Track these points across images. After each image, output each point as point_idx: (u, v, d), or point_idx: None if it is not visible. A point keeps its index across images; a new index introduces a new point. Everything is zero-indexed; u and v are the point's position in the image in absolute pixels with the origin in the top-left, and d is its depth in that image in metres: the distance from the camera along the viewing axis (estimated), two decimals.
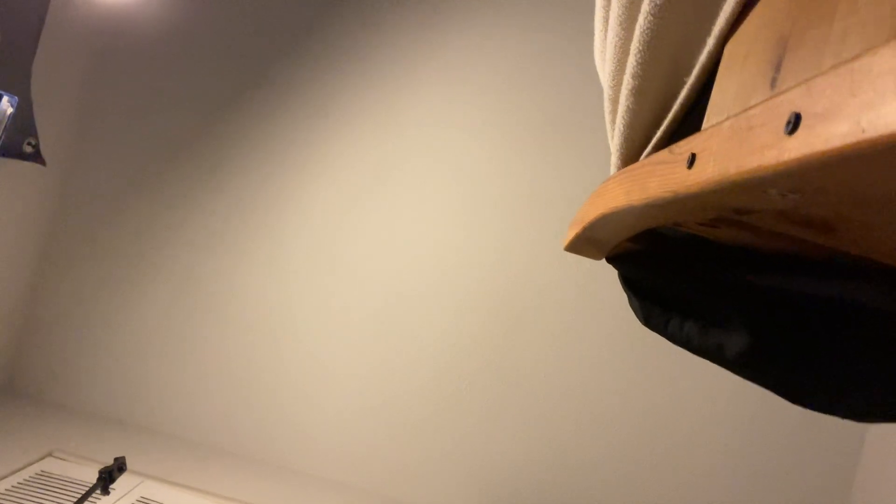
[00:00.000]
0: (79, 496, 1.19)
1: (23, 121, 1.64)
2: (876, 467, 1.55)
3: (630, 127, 0.47)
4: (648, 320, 0.55)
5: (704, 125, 0.38)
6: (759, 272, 0.45)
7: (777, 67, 0.30)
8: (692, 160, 0.30)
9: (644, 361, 1.70)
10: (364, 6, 1.85)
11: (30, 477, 1.42)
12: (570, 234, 0.59)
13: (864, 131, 0.18)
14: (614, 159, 0.52)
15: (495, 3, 1.81)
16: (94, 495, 1.21)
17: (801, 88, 0.22)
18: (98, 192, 1.91)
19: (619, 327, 1.70)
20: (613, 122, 0.51)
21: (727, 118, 0.28)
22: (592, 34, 0.63)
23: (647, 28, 0.41)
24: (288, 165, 1.86)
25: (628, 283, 0.58)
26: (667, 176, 0.34)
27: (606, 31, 0.53)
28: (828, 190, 0.23)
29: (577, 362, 1.73)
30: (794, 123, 0.21)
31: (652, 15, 0.41)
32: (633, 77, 0.44)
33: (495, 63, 1.80)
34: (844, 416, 0.45)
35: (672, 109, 0.42)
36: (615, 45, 0.48)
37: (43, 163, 1.74)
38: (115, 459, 1.19)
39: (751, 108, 0.25)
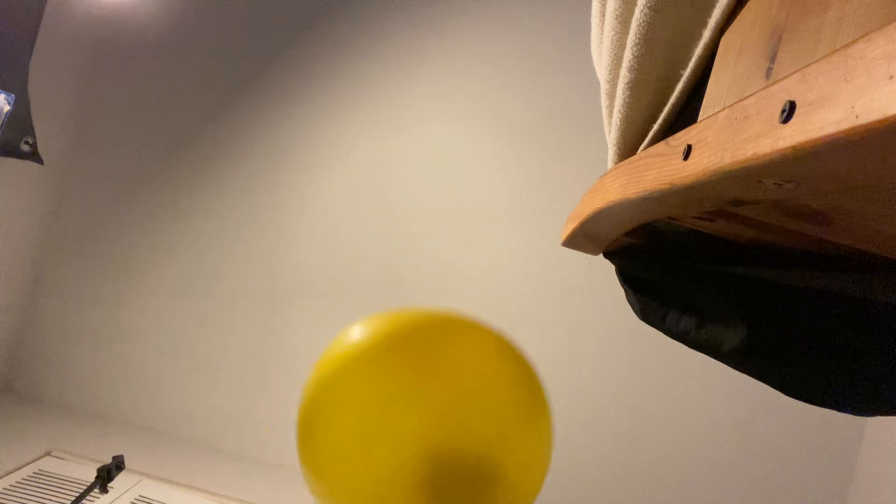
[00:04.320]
0: (77, 495, 1.19)
1: (20, 119, 1.63)
2: (875, 466, 1.55)
3: (627, 121, 0.47)
4: (646, 315, 0.55)
5: (700, 117, 0.38)
6: (755, 266, 0.45)
7: (772, 58, 0.30)
8: (688, 151, 0.30)
9: (641, 358, 1.70)
10: (361, 5, 1.85)
11: (28, 476, 1.42)
12: (568, 229, 0.59)
13: (857, 117, 0.18)
14: (611, 154, 0.52)
15: (493, 0, 1.81)
16: (92, 494, 1.21)
17: (796, 76, 0.22)
18: (96, 190, 1.91)
19: (616, 323, 1.70)
20: (610, 116, 0.51)
21: (723, 109, 0.28)
22: (589, 30, 0.63)
23: (644, 21, 0.41)
24: (285, 165, 1.86)
25: (625, 278, 0.58)
26: (663, 168, 0.34)
27: (603, 25, 0.53)
28: (823, 178, 0.23)
29: (574, 360, 1.73)
30: (789, 111, 0.21)
31: (648, 8, 0.41)
32: (630, 71, 0.44)
33: (493, 60, 1.80)
34: (841, 409, 0.45)
35: (669, 102, 0.42)
36: (612, 40, 0.48)
37: (40, 161, 1.74)
38: (114, 458, 1.19)
39: (746, 97, 0.25)
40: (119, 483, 1.37)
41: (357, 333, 0.47)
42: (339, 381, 0.43)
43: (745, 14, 0.35)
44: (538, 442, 0.43)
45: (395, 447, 0.37)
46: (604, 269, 1.69)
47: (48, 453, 1.54)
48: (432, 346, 0.45)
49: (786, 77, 0.22)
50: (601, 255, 0.65)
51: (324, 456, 0.40)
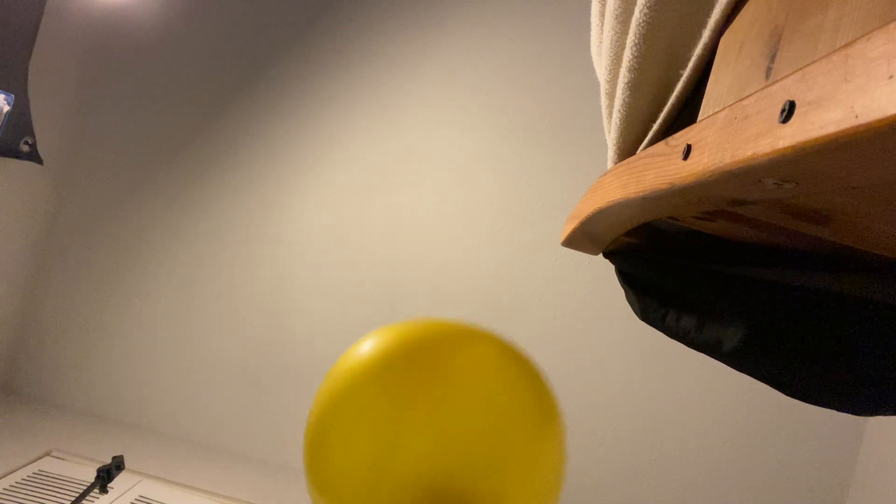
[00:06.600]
0: (77, 495, 1.19)
1: (20, 120, 1.63)
2: (875, 466, 1.55)
3: (626, 121, 0.47)
4: (645, 315, 0.55)
5: (700, 116, 0.38)
6: (755, 266, 0.45)
7: (772, 58, 0.30)
8: (688, 151, 0.30)
9: (641, 358, 1.70)
10: (361, 5, 1.85)
11: (28, 476, 1.42)
12: (568, 229, 0.59)
13: (857, 117, 0.18)
14: (611, 154, 0.52)
15: (492, 1, 1.81)
16: (92, 494, 1.21)
17: (796, 76, 0.21)
18: (95, 190, 1.91)
19: (616, 323, 1.70)
20: (610, 116, 0.51)
21: (723, 108, 0.28)
22: (589, 30, 0.63)
23: (644, 21, 0.41)
24: (285, 165, 1.86)
25: (625, 277, 0.58)
26: (663, 168, 0.34)
27: (602, 25, 0.53)
28: (823, 178, 0.23)
29: (575, 360, 1.73)
30: (789, 111, 0.21)
31: (648, 8, 0.41)
32: (630, 71, 0.44)
33: (492, 60, 1.80)
34: (841, 409, 0.45)
35: (668, 102, 0.42)
36: (611, 39, 0.48)
37: (40, 162, 1.74)
38: (113, 458, 1.19)
39: (745, 97, 0.25)
40: (119, 483, 1.37)
41: (365, 352, 0.44)
42: (347, 405, 0.41)
43: (744, 14, 0.35)
44: (547, 466, 0.41)
45: (400, 480, 0.36)
46: (604, 269, 1.69)
47: (48, 453, 1.54)
48: (438, 365, 0.42)
49: (786, 77, 0.22)
50: (601, 255, 0.65)
51: (330, 481, 0.39)
